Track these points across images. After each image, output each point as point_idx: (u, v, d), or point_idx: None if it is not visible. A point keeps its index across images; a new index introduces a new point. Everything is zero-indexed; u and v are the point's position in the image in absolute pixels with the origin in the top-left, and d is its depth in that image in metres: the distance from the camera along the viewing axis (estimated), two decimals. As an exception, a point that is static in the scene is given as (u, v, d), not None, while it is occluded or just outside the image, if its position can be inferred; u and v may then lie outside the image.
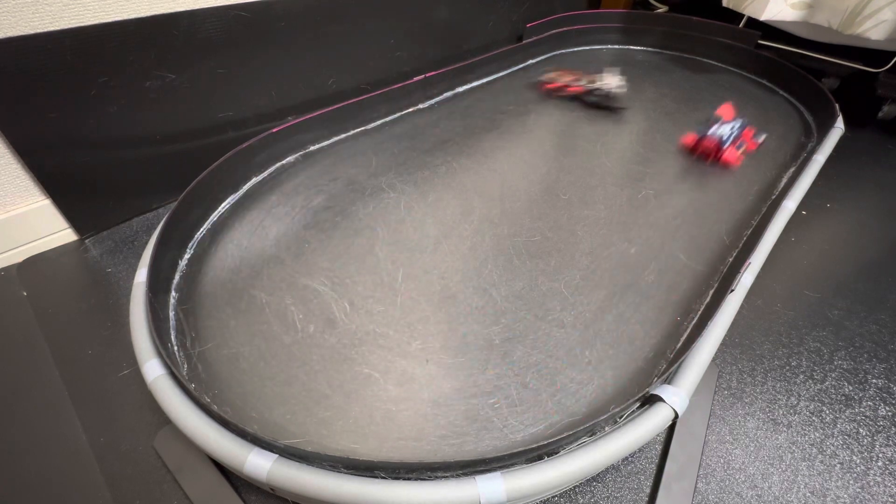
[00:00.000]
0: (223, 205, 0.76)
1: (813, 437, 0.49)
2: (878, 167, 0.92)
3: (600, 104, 1.07)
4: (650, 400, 0.46)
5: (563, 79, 1.11)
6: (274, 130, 0.81)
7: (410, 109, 1.04)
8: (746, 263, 0.59)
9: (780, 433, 0.50)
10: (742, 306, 0.59)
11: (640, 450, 0.48)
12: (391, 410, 0.49)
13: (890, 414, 0.52)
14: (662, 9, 1.43)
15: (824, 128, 0.92)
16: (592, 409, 0.50)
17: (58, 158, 0.66)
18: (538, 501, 0.44)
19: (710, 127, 0.91)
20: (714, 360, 0.56)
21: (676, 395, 0.45)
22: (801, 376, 0.55)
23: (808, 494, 0.45)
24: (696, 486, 0.45)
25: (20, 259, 0.69)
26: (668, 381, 0.48)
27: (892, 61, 0.96)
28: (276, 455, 0.40)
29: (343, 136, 0.94)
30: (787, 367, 0.56)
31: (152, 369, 0.47)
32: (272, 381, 0.52)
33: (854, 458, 0.48)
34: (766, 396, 0.53)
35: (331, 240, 0.70)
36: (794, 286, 0.66)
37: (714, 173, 0.86)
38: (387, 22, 0.96)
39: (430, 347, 0.56)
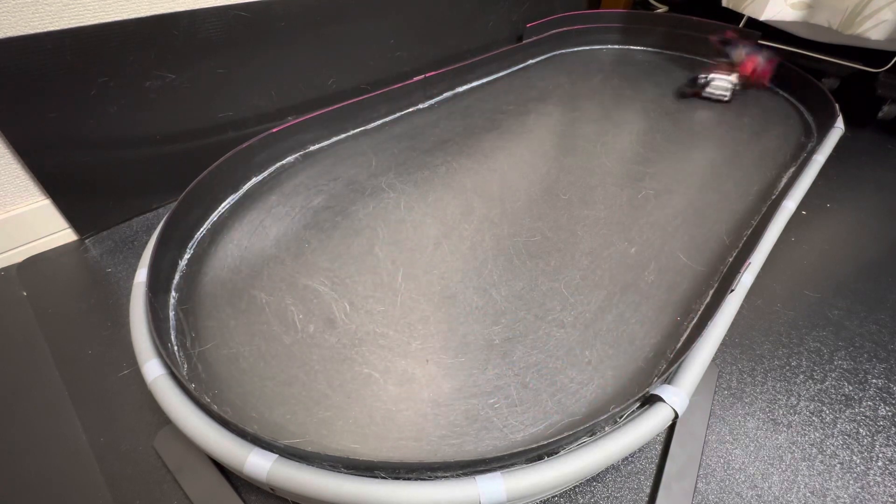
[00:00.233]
0: (223, 205, 0.76)
1: (813, 437, 0.49)
2: (878, 167, 0.92)
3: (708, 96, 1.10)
4: (650, 400, 0.46)
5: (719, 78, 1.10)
6: (274, 130, 0.82)
7: (410, 109, 1.04)
8: (746, 263, 0.59)
9: (780, 433, 0.50)
10: (742, 306, 0.59)
11: (640, 450, 0.48)
12: (391, 410, 0.49)
13: (890, 414, 0.52)
14: (662, 9, 1.43)
15: (824, 128, 0.92)
16: (592, 409, 0.50)
17: (58, 158, 0.66)
18: (538, 501, 0.44)
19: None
20: (714, 360, 0.56)
21: (676, 395, 0.45)
22: (801, 376, 0.55)
23: (808, 494, 0.45)
24: (696, 486, 0.45)
25: (20, 259, 0.69)
26: (668, 381, 0.48)
27: (892, 61, 0.96)
28: (276, 455, 0.40)
29: (343, 136, 0.94)
30: (787, 367, 0.56)
31: (152, 369, 0.47)
32: (272, 381, 0.52)
33: (854, 458, 0.48)
34: (766, 396, 0.53)
35: (331, 240, 0.70)
36: (794, 286, 0.66)
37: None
38: (387, 22, 0.96)
39: (430, 347, 0.56)
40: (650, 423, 0.43)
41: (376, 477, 0.40)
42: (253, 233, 0.71)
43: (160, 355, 0.48)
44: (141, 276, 0.57)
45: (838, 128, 0.89)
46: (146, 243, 0.66)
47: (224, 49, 0.75)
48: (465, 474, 0.40)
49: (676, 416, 0.45)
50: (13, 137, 0.61)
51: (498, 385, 0.52)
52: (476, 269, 0.66)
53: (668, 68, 1.26)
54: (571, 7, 1.38)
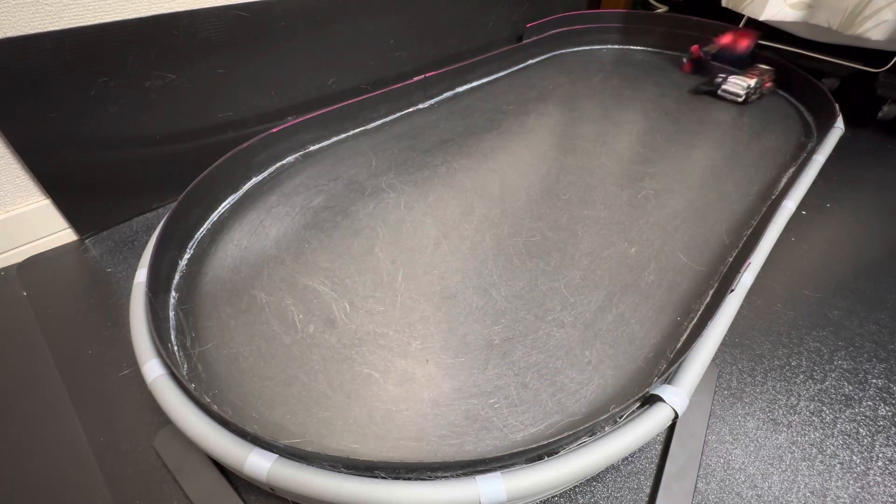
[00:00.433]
0: (223, 205, 0.76)
1: (813, 437, 0.49)
2: (878, 167, 0.92)
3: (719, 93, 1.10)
4: (650, 400, 0.46)
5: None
6: (274, 130, 0.82)
7: (410, 109, 1.04)
8: (746, 263, 0.59)
9: (780, 433, 0.50)
10: (742, 306, 0.59)
11: (640, 450, 0.48)
12: (391, 410, 0.49)
13: (890, 414, 0.52)
14: (662, 9, 1.43)
15: (824, 128, 0.92)
16: (592, 409, 0.50)
17: (58, 158, 0.66)
18: (538, 501, 0.44)
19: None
20: (714, 360, 0.56)
21: (676, 395, 0.45)
22: (801, 376, 0.55)
23: (808, 494, 0.45)
24: (696, 486, 0.45)
25: (20, 259, 0.69)
26: (668, 380, 0.48)
27: (892, 61, 0.96)
28: (276, 455, 0.40)
29: (343, 136, 0.94)
30: (787, 367, 0.56)
31: (152, 369, 0.47)
32: (272, 381, 0.52)
33: (854, 458, 0.48)
34: (766, 396, 0.53)
35: (331, 240, 0.70)
36: (794, 286, 0.66)
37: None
38: (387, 22, 0.96)
39: (430, 347, 0.56)
40: (650, 423, 0.43)
41: (376, 477, 0.40)
42: (253, 233, 0.71)
43: (160, 355, 0.48)
44: (141, 276, 0.57)
45: (838, 128, 0.89)
46: (146, 243, 0.66)
47: (224, 49, 0.75)
48: (465, 474, 0.40)
49: (676, 416, 0.45)
50: (13, 137, 0.61)
51: (498, 385, 0.52)
52: (476, 269, 0.66)
53: (668, 68, 1.26)
54: (571, 7, 1.38)
